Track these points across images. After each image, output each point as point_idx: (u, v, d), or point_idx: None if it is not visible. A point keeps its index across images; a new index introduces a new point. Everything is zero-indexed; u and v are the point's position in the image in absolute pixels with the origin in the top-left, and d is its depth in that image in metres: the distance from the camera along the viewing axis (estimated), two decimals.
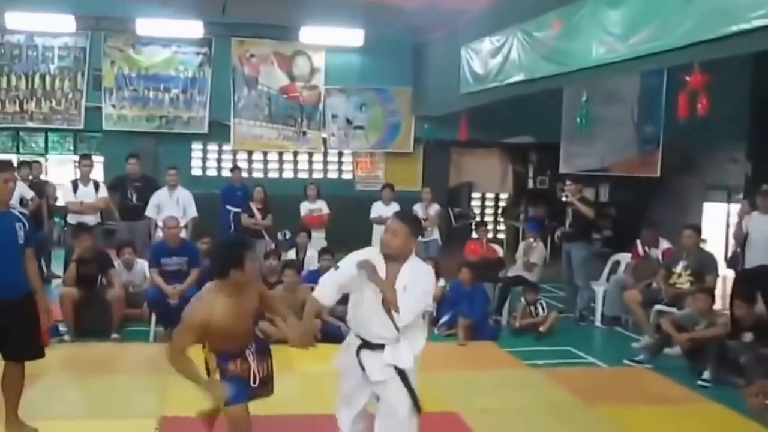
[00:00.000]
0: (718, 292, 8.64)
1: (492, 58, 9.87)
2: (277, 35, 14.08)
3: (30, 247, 4.92)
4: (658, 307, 8.04)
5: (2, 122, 13.59)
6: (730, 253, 9.29)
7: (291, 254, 9.56)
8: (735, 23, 5.60)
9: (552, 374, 7.01)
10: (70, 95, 13.64)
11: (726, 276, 9.45)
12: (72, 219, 9.31)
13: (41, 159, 13.68)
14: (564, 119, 12.40)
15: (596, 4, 7.53)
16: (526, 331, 8.57)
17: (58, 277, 9.62)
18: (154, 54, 13.77)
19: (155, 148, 13.67)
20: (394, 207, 10.61)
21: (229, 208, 10.62)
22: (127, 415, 5.58)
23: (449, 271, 8.91)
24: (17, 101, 13.52)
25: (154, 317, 7.95)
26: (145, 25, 13.36)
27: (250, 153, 14.64)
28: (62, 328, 7.56)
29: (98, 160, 12.79)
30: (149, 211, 9.62)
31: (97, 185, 9.53)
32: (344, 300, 8.11)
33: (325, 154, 14.88)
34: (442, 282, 8.56)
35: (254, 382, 4.05)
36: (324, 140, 14.56)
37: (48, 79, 13.58)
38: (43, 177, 12.08)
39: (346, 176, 15.03)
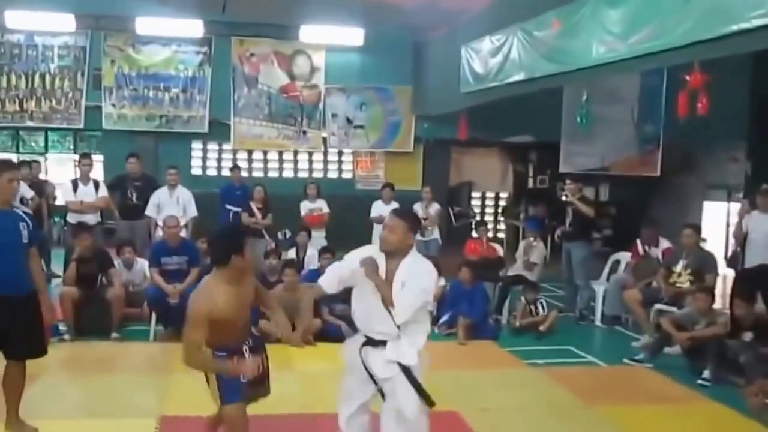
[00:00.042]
0: (718, 291, 8.64)
1: (492, 58, 9.87)
2: (277, 34, 14.08)
3: (34, 246, 4.93)
4: (658, 306, 8.05)
5: (2, 121, 13.59)
6: (730, 253, 9.30)
7: (291, 253, 9.56)
8: (735, 22, 5.60)
9: (552, 373, 7.01)
10: (70, 94, 13.65)
11: (726, 275, 9.45)
12: (72, 218, 9.31)
13: (41, 158, 13.70)
14: (564, 118, 12.41)
15: (596, 3, 7.53)
16: (526, 331, 8.58)
17: (58, 276, 9.62)
18: (154, 53, 13.77)
19: (155, 148, 13.68)
20: (395, 206, 10.56)
21: (229, 207, 10.61)
22: (127, 415, 5.57)
23: (449, 271, 8.90)
24: (17, 100, 13.52)
25: (154, 316, 7.96)
26: (145, 24, 13.36)
27: (250, 152, 14.64)
28: (62, 327, 7.56)
29: (98, 159, 12.81)
30: (149, 211, 9.62)
31: (97, 184, 9.52)
32: (344, 299, 8.14)
33: (326, 154, 14.88)
34: (442, 281, 8.55)
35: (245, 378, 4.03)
36: (324, 139, 14.57)
37: (48, 78, 13.58)
38: (41, 176, 12.07)
39: (346, 175, 15.04)
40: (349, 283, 4.26)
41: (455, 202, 15.80)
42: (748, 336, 6.51)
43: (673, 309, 7.72)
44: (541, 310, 8.75)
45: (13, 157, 12.58)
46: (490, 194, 17.24)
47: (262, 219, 10.39)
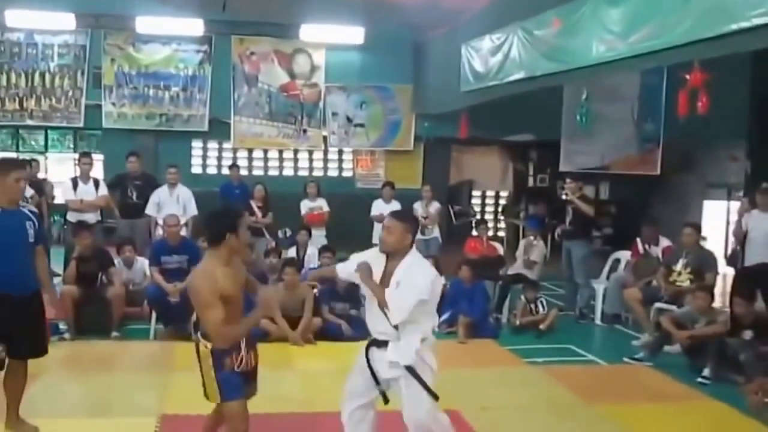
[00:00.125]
0: (718, 289, 8.65)
1: (492, 56, 9.86)
2: (277, 33, 14.08)
3: (40, 245, 4.94)
4: (658, 304, 8.05)
5: (2, 120, 13.59)
6: (730, 251, 9.30)
7: (291, 252, 9.56)
8: (735, 21, 5.60)
9: (552, 372, 7.02)
10: (70, 93, 13.64)
11: (726, 274, 9.46)
12: (72, 217, 9.30)
13: (41, 157, 13.70)
14: (564, 117, 12.41)
15: (596, 2, 7.52)
16: (526, 329, 8.58)
17: (58, 275, 9.61)
18: (154, 52, 13.77)
19: (155, 146, 13.68)
20: (395, 205, 10.62)
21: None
22: (128, 413, 5.57)
23: (449, 269, 8.89)
24: (17, 99, 13.52)
25: (154, 315, 7.95)
26: (145, 23, 13.35)
27: (250, 151, 14.64)
28: (62, 326, 7.55)
29: (98, 158, 12.78)
30: (149, 209, 9.62)
31: (97, 183, 9.52)
32: (345, 298, 8.17)
33: (326, 152, 14.88)
34: (442, 280, 8.53)
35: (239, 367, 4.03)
36: (324, 138, 14.56)
37: (48, 76, 13.57)
38: (40, 175, 12.06)
39: (347, 174, 15.04)
40: (353, 279, 4.40)
41: (455, 200, 15.81)
42: (747, 334, 6.52)
43: (673, 308, 7.73)
44: (541, 309, 8.76)
45: (13, 156, 12.56)
46: (490, 193, 17.26)
47: (262, 218, 10.40)
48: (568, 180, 9.77)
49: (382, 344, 4.14)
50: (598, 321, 9.22)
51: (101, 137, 14.06)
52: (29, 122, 13.69)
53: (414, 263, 4.14)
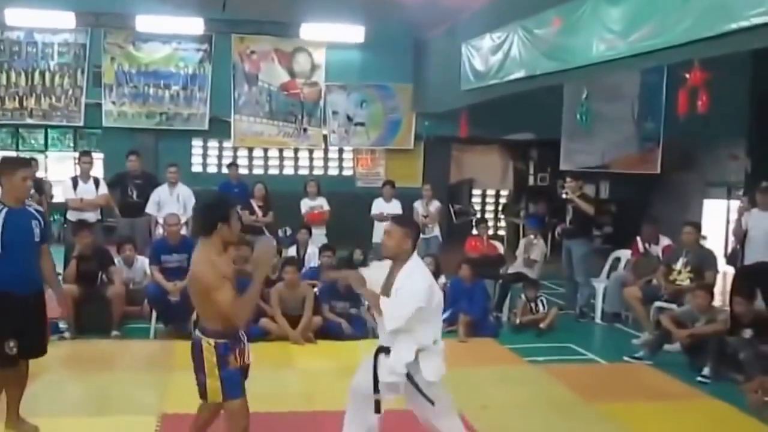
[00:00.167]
0: (717, 288, 8.66)
1: (492, 55, 9.86)
2: (277, 32, 14.08)
3: (45, 243, 4.94)
4: (658, 303, 8.06)
5: (2, 119, 13.59)
6: (729, 250, 9.30)
7: (291, 251, 9.57)
8: (734, 21, 5.61)
9: (552, 371, 7.02)
10: (70, 92, 13.64)
11: (726, 272, 9.46)
12: (72, 216, 9.29)
13: (41, 156, 13.70)
14: (564, 116, 12.42)
15: (596, 1, 7.53)
16: (526, 328, 8.59)
17: (58, 274, 9.60)
18: (154, 50, 13.77)
19: (155, 145, 13.68)
20: (395, 204, 10.65)
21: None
22: (128, 412, 5.57)
23: (450, 268, 8.92)
24: (17, 98, 13.52)
25: (154, 314, 7.95)
26: (145, 22, 13.35)
27: (250, 150, 14.64)
28: (62, 325, 7.55)
29: (98, 156, 12.79)
30: (149, 208, 9.62)
31: (97, 182, 9.51)
32: (345, 297, 8.18)
33: (326, 151, 14.88)
34: (442, 279, 8.56)
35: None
36: (324, 137, 14.57)
37: (48, 75, 13.57)
38: (39, 174, 12.04)
39: (347, 173, 15.04)
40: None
41: (456, 199, 15.82)
42: (747, 333, 6.53)
43: (673, 306, 7.74)
44: (541, 308, 8.77)
45: (12, 155, 12.55)
46: (490, 192, 17.27)
47: (262, 216, 10.40)
48: (568, 179, 9.77)
49: (386, 351, 4.17)
50: (598, 320, 9.23)
51: (101, 136, 14.07)
52: (29, 121, 13.69)
53: (413, 270, 4.16)
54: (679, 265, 8.06)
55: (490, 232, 11.78)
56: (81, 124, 13.81)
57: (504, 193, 17.06)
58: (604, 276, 9.66)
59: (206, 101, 13.94)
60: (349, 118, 14.51)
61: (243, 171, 13.51)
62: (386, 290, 4.17)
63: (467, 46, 10.83)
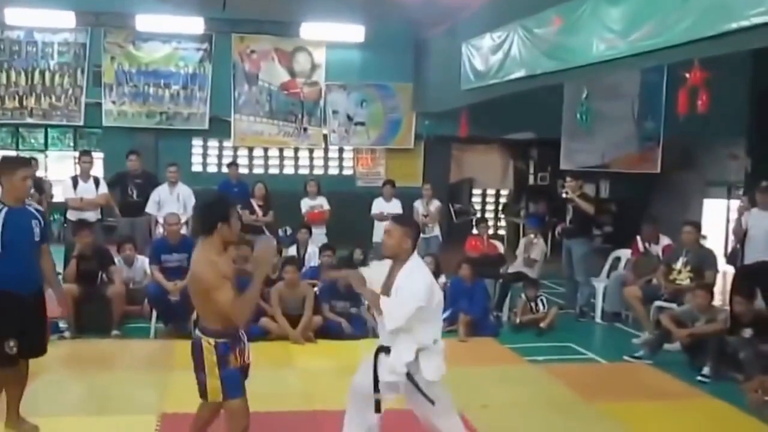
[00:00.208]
0: (717, 288, 8.66)
1: (493, 55, 9.86)
2: (277, 31, 14.07)
3: (45, 243, 4.94)
4: (658, 303, 8.07)
5: (2, 118, 13.57)
6: (729, 249, 9.31)
7: (292, 250, 9.57)
8: (734, 20, 5.61)
9: (552, 370, 7.03)
10: (70, 91, 13.63)
11: (726, 272, 9.46)
12: (72, 215, 9.29)
13: (41, 155, 13.69)
14: (565, 115, 12.41)
15: (597, 0, 7.52)
16: (526, 327, 8.59)
17: (58, 273, 9.60)
18: (154, 50, 13.76)
19: (155, 145, 13.67)
20: (395, 203, 10.65)
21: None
22: (128, 412, 5.58)
23: (450, 268, 8.92)
24: (17, 97, 13.50)
25: (154, 314, 7.96)
26: (145, 21, 13.34)
27: (250, 149, 14.64)
28: (62, 324, 7.56)
29: (98, 156, 12.79)
30: (150, 208, 9.62)
31: (97, 181, 9.51)
32: (345, 297, 8.17)
33: (326, 151, 14.87)
34: (443, 278, 8.57)
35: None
36: (325, 136, 14.56)
37: (48, 75, 13.56)
38: (39, 173, 12.04)
39: (347, 172, 15.03)
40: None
41: (456, 199, 15.82)
42: (747, 332, 6.53)
43: (673, 306, 7.74)
44: (541, 307, 8.77)
45: (12, 154, 12.55)
46: (490, 191, 17.27)
47: (263, 216, 10.40)
48: (568, 178, 9.78)
49: (387, 350, 4.18)
50: (598, 319, 9.23)
51: (101, 135, 14.07)
52: (29, 120, 13.68)
53: (413, 270, 4.16)
54: (679, 265, 8.07)
55: (491, 231, 11.78)
56: (81, 123, 13.80)
57: (504, 192, 17.07)
58: (604, 275, 9.67)
59: (206, 101, 13.94)
60: (349, 118, 14.51)
61: (243, 170, 13.50)
62: (386, 290, 4.17)
63: (467, 46, 10.82)
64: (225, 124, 14.05)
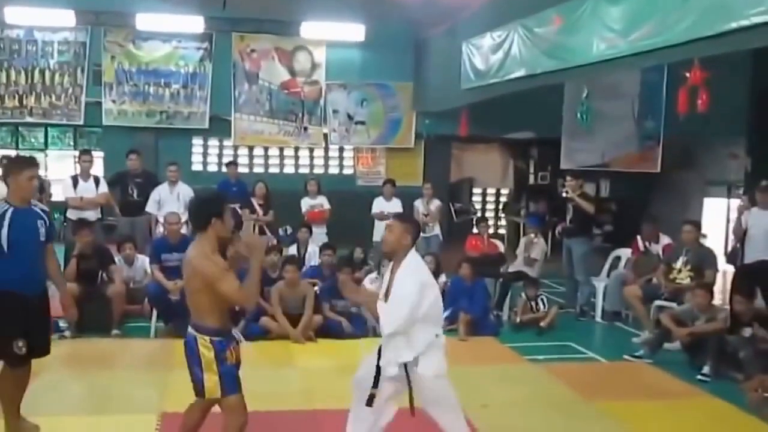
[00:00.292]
0: (717, 287, 8.66)
1: (493, 54, 9.86)
2: (277, 30, 14.07)
3: (50, 243, 4.93)
4: (658, 302, 8.07)
5: (1, 117, 13.57)
6: (729, 249, 9.30)
7: (292, 250, 9.57)
8: (734, 20, 5.61)
9: (552, 369, 7.04)
10: (70, 90, 13.63)
11: (726, 271, 9.47)
12: (72, 214, 9.29)
13: (41, 154, 13.69)
14: (565, 115, 12.41)
15: (597, 0, 7.52)
16: (526, 327, 8.60)
17: None
18: (154, 49, 13.76)
19: (155, 144, 13.68)
20: (396, 202, 10.65)
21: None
22: (128, 411, 5.59)
23: (450, 267, 8.93)
24: (16, 96, 13.50)
25: (155, 313, 7.97)
26: (145, 20, 13.34)
27: (251, 148, 14.63)
28: (63, 324, 7.55)
29: (98, 155, 12.79)
30: (150, 207, 9.63)
31: (97, 181, 9.50)
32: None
33: (326, 150, 14.87)
34: (443, 278, 8.58)
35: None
36: (325, 136, 14.56)
37: (47, 74, 13.56)
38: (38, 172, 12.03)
39: (347, 172, 15.03)
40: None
41: (456, 198, 15.82)
42: (747, 331, 6.53)
43: (673, 305, 7.75)
44: (541, 306, 8.78)
45: (12, 154, 12.56)
46: (491, 190, 17.28)
47: (263, 215, 10.40)
48: (568, 177, 9.78)
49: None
50: (598, 318, 9.24)
51: (101, 135, 14.06)
52: (29, 119, 13.68)
53: (408, 268, 4.18)
54: (679, 264, 8.07)
55: (491, 230, 11.79)
56: (81, 122, 13.79)
57: (504, 191, 17.07)
58: (605, 275, 9.67)
59: (206, 100, 13.93)
60: (349, 117, 14.51)
61: (244, 170, 13.53)
62: (387, 290, 4.21)
63: (468, 45, 10.82)
64: (225, 124, 14.05)
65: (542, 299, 8.86)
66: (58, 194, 10.10)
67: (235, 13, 13.47)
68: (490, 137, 14.98)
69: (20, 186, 4.70)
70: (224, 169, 13.37)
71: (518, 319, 8.71)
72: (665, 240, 8.95)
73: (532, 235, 9.69)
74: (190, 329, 4.02)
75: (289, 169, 14.81)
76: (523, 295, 8.91)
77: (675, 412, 5.90)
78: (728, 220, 13.17)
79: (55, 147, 14.46)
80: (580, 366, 7.33)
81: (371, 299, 4.21)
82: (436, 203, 10.92)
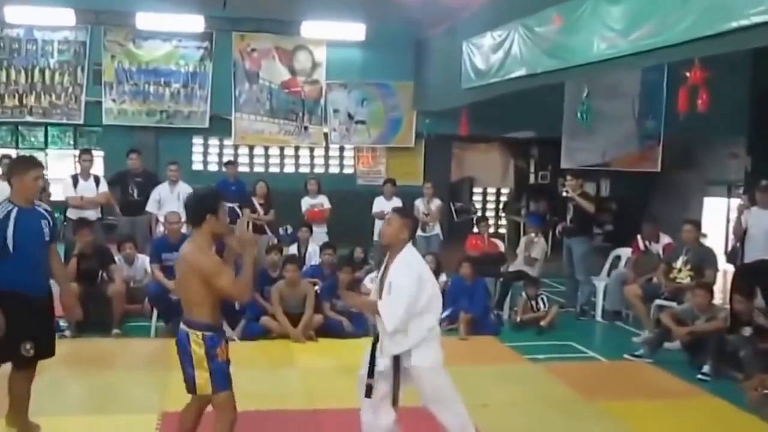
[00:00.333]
0: (717, 286, 8.66)
1: (493, 53, 9.87)
2: (278, 29, 14.07)
3: (54, 243, 4.93)
4: (658, 301, 8.08)
5: (1, 117, 13.58)
6: (729, 248, 9.30)
7: (292, 249, 9.57)
8: (734, 19, 5.62)
9: (553, 369, 7.04)
10: (70, 89, 13.63)
11: (726, 271, 9.46)
12: (72, 214, 9.30)
13: (41, 154, 13.68)
14: (565, 114, 12.41)
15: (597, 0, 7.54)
16: (527, 326, 8.60)
17: None
18: (154, 48, 13.76)
19: (156, 143, 13.68)
20: (396, 202, 10.63)
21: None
22: (129, 411, 5.60)
23: (451, 266, 8.93)
24: (16, 95, 13.50)
25: (155, 312, 7.97)
26: (145, 19, 13.34)
27: (251, 148, 14.63)
28: (63, 323, 7.56)
29: (98, 154, 12.79)
30: (150, 206, 9.63)
31: (97, 180, 9.51)
32: None
33: (327, 149, 14.87)
34: (443, 277, 8.58)
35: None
36: (325, 135, 14.56)
37: (48, 73, 13.56)
38: None
39: (348, 171, 15.03)
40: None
41: (456, 197, 15.83)
42: (747, 331, 6.53)
43: (673, 304, 7.75)
44: (542, 306, 8.78)
45: (12, 153, 12.55)
46: (491, 190, 17.29)
47: (264, 215, 10.39)
48: (568, 177, 9.78)
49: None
50: (598, 318, 9.24)
51: (101, 134, 14.06)
52: (29, 119, 13.68)
53: (404, 261, 4.22)
54: (679, 263, 8.07)
55: (491, 230, 11.79)
56: (81, 122, 13.79)
57: (505, 191, 17.08)
58: (605, 274, 9.68)
59: (207, 99, 13.94)
60: (350, 116, 14.51)
61: (244, 169, 13.55)
62: (382, 282, 4.25)
63: (468, 45, 10.83)
64: (225, 123, 14.05)
65: (542, 299, 8.86)
66: (57, 194, 10.09)
67: (235, 13, 13.47)
68: (491, 137, 14.99)
69: (25, 186, 4.69)
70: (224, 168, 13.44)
71: (518, 319, 8.71)
72: (665, 239, 8.94)
73: (533, 235, 9.69)
74: (182, 325, 4.04)
75: (289, 169, 14.81)
76: (523, 294, 8.91)
77: (675, 412, 5.91)
78: (728, 220, 13.16)
79: (55, 146, 14.45)
80: (580, 365, 7.33)
81: (369, 305, 4.23)
82: (436, 203, 10.92)
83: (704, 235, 9.52)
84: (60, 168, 13.76)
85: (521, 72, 9.13)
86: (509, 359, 7.45)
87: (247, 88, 14.12)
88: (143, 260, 8.44)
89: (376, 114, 14.55)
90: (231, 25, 13.88)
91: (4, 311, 4.51)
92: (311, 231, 9.86)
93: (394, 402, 4.24)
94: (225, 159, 13.87)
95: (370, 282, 8.21)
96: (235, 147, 14.41)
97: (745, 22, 5.52)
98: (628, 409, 5.90)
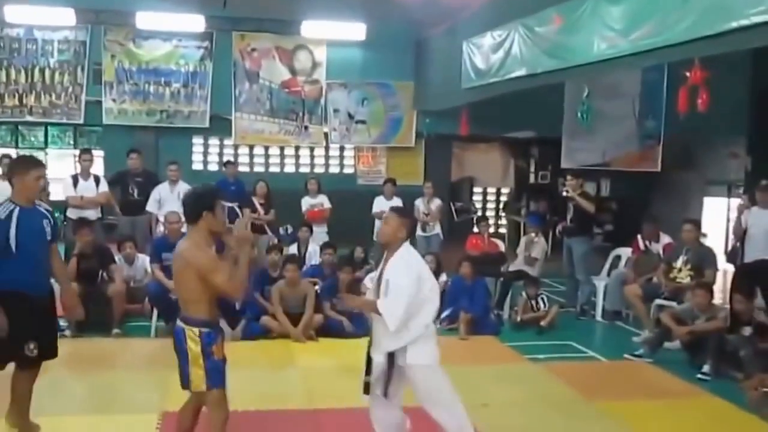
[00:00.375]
0: (718, 286, 8.66)
1: (493, 53, 9.87)
2: (278, 29, 14.07)
3: (55, 242, 4.92)
4: (658, 301, 8.08)
5: (1, 116, 13.58)
6: (729, 248, 9.30)
7: (293, 249, 9.57)
8: (734, 19, 5.63)
9: (553, 368, 7.04)
10: (70, 89, 13.64)
11: (726, 270, 9.47)
12: (72, 214, 9.30)
13: (41, 153, 13.68)
14: (565, 114, 12.41)
15: None
16: (527, 326, 8.60)
17: None
18: (154, 48, 13.76)
19: (156, 143, 13.68)
20: (396, 202, 10.62)
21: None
22: (129, 411, 5.60)
23: (451, 266, 8.93)
24: (16, 95, 13.51)
25: (155, 312, 7.96)
26: (145, 19, 13.35)
27: (251, 148, 14.63)
28: (63, 323, 7.55)
29: (98, 154, 12.79)
30: (150, 206, 9.63)
31: (97, 180, 9.51)
32: None
33: (327, 149, 14.88)
34: (443, 277, 8.58)
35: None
36: (325, 135, 14.56)
37: (48, 72, 13.57)
38: None
39: (348, 171, 15.04)
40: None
41: (457, 197, 15.83)
42: (747, 330, 6.54)
43: (673, 304, 7.75)
44: (542, 306, 8.78)
45: (12, 153, 12.55)
46: (491, 189, 17.28)
47: (264, 214, 10.39)
48: (569, 177, 9.78)
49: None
50: (598, 317, 9.24)
51: (101, 134, 14.07)
52: (29, 118, 13.68)
53: (401, 260, 4.22)
54: (679, 263, 8.07)
55: (491, 230, 11.79)
56: (81, 121, 13.79)
57: (505, 191, 17.07)
58: (605, 274, 9.68)
59: (207, 99, 13.94)
60: (350, 116, 14.51)
61: (244, 169, 13.55)
62: (379, 280, 4.27)
63: (468, 44, 10.83)
64: (226, 123, 14.05)
65: (543, 298, 8.86)
66: (57, 193, 10.10)
67: (235, 12, 13.48)
68: (491, 136, 14.99)
69: (27, 186, 4.68)
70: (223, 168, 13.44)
71: (519, 318, 8.71)
72: (665, 239, 8.94)
73: (533, 235, 9.69)
74: (178, 321, 4.05)
75: (289, 168, 14.81)
76: (523, 294, 8.91)
77: (675, 412, 5.91)
78: (728, 220, 13.17)
79: (55, 146, 14.45)
80: (580, 365, 7.33)
81: (369, 304, 4.22)
82: (436, 202, 10.92)
83: (704, 235, 9.52)
84: (60, 168, 13.76)
85: (521, 72, 9.14)
86: (509, 359, 7.45)
87: (247, 87, 14.12)
88: (143, 260, 8.44)
89: (377, 114, 14.55)
90: (231, 24, 13.88)
91: (7, 311, 4.51)
92: (311, 231, 9.85)
93: (385, 395, 4.23)
94: (225, 159, 13.88)
95: (369, 281, 8.21)
96: (235, 147, 14.42)
97: (745, 22, 5.53)
98: (628, 409, 5.90)
